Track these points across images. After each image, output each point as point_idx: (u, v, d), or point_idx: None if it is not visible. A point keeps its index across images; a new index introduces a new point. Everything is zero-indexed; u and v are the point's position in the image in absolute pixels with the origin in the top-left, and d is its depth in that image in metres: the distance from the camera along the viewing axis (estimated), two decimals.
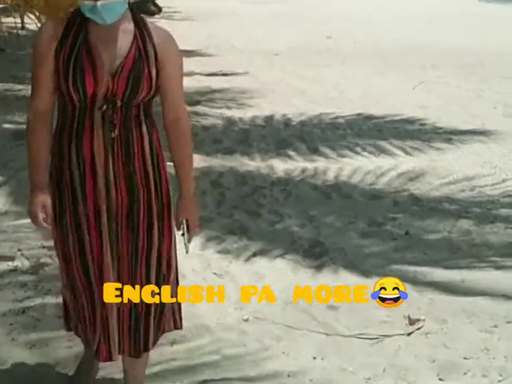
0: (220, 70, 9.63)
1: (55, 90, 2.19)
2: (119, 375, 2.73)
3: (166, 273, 2.39)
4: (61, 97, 2.20)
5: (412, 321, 3.28)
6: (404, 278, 3.70)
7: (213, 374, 2.87)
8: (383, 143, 6.20)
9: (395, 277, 3.69)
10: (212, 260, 3.91)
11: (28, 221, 4.22)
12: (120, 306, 2.34)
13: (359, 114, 7.32)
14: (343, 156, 5.83)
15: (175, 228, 2.40)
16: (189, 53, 11.09)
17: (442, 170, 5.48)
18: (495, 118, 7.28)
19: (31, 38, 2.97)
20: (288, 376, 2.86)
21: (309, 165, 5.55)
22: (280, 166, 5.54)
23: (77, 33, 2.12)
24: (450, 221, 4.49)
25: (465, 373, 2.92)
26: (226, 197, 4.86)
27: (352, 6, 19.54)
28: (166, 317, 2.48)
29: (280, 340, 3.14)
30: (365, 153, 5.91)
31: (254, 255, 3.99)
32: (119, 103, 2.13)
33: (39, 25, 6.52)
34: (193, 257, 3.92)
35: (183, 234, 2.37)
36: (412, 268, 3.84)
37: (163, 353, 2.99)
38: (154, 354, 2.87)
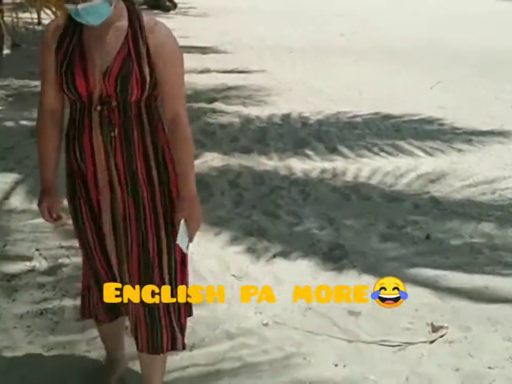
0: (235, 67, 9.59)
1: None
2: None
3: (179, 274, 2.38)
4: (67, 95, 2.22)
5: (435, 329, 3.22)
6: (426, 283, 3.67)
7: (233, 381, 2.83)
8: (402, 143, 6.13)
9: (416, 282, 3.67)
10: (230, 262, 3.86)
11: None
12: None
13: (376, 114, 7.25)
14: (361, 156, 5.76)
15: None
16: (204, 50, 11.10)
17: (462, 172, 5.40)
18: None
19: None
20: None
21: (328, 165, 5.49)
22: (298, 166, 5.48)
23: (73, 33, 2.13)
24: (471, 225, 4.42)
25: (490, 383, 2.86)
26: (244, 197, 4.81)
27: (365, 3, 19.43)
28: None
29: (300, 345, 3.09)
30: (384, 154, 5.84)
31: (273, 257, 3.94)
32: (114, 103, 2.11)
33: None
34: (212, 258, 3.90)
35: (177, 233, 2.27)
36: (433, 273, 3.78)
37: (182, 358, 2.96)
38: (173, 359, 2.86)
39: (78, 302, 2.82)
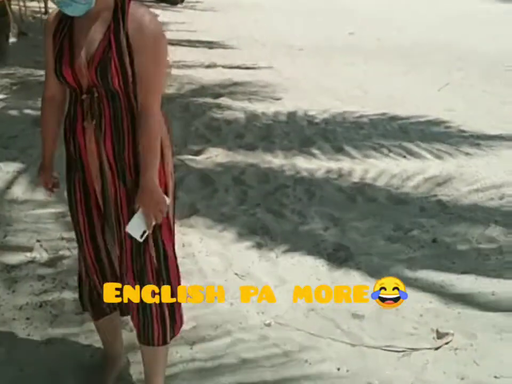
0: (242, 63, 9.52)
1: None
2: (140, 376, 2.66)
3: (168, 270, 2.41)
4: None
5: (440, 335, 3.16)
6: (431, 288, 3.61)
7: (231, 378, 2.80)
8: (409, 145, 6.06)
9: (422, 286, 3.62)
10: (233, 260, 3.80)
11: (48, 211, 4.21)
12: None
13: (383, 114, 7.18)
14: (368, 157, 5.69)
15: (174, 225, 2.44)
16: (211, 44, 11.04)
17: (470, 177, 5.33)
18: None
19: None
20: None
21: (334, 165, 5.42)
22: (304, 165, 5.41)
23: (66, 23, 2.19)
24: (478, 229, 4.36)
25: None
26: (248, 195, 4.75)
27: (374, 3, 19.36)
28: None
29: (302, 347, 3.04)
30: (391, 155, 5.77)
31: (277, 256, 3.88)
32: (100, 92, 2.16)
33: None
34: (215, 255, 3.84)
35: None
36: (440, 278, 3.72)
37: (182, 354, 2.93)
38: (173, 355, 2.85)
39: (77, 295, 2.77)
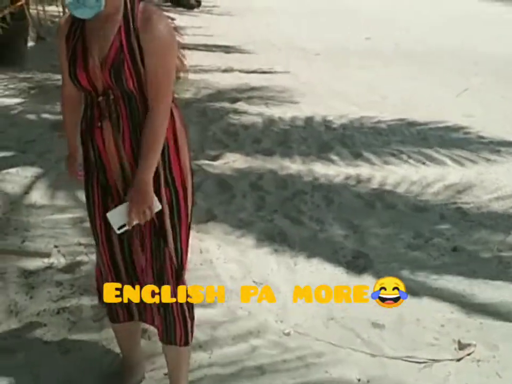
0: (259, 68, 9.50)
1: None
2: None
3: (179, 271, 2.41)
4: None
5: (462, 346, 3.11)
6: (452, 297, 3.56)
7: None
8: (429, 152, 5.99)
9: (442, 296, 3.56)
10: (252, 267, 3.77)
11: (66, 216, 4.19)
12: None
13: (401, 120, 7.11)
14: (387, 163, 5.63)
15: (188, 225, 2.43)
16: (228, 49, 11.02)
17: (490, 184, 5.26)
18: None
19: None
20: None
21: (352, 171, 5.37)
22: (322, 171, 5.37)
23: (78, 26, 2.20)
24: (499, 237, 4.30)
25: None
26: (266, 201, 4.72)
27: (390, 8, 19.27)
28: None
29: (322, 357, 3.00)
30: (411, 161, 5.70)
31: (295, 264, 3.84)
32: (116, 94, 2.16)
33: None
34: (233, 262, 3.81)
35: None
36: (461, 287, 3.66)
37: (201, 361, 2.90)
38: (192, 363, 2.79)
39: (95, 301, 2.75)
